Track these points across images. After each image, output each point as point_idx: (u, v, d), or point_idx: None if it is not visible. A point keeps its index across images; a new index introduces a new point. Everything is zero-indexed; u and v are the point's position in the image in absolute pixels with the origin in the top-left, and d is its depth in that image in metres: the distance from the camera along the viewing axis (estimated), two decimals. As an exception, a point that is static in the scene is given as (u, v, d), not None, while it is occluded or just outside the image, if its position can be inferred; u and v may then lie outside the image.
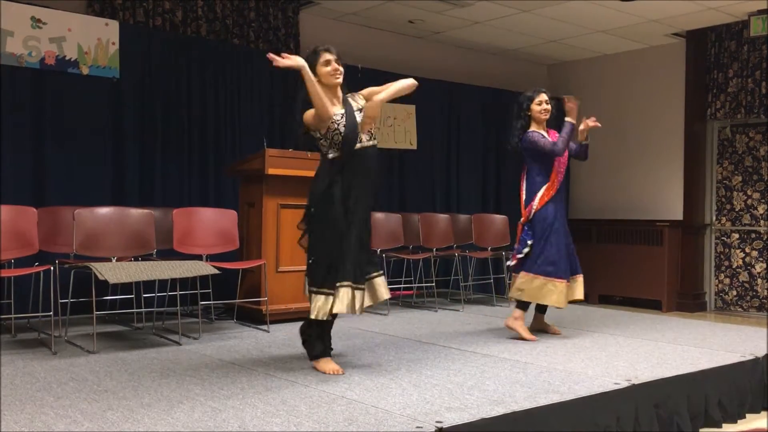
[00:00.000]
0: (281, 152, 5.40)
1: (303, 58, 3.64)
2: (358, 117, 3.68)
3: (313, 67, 3.63)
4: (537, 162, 4.82)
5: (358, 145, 3.63)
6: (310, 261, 3.67)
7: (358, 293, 3.59)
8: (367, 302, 3.68)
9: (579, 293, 4.91)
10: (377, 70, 6.95)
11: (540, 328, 5.00)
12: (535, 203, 4.78)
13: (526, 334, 4.76)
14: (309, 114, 3.62)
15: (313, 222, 3.68)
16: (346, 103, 3.73)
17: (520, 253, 4.81)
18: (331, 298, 3.56)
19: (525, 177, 4.89)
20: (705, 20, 7.28)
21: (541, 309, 5.00)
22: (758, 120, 7.49)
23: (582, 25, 7.45)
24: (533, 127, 4.83)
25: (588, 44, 8.21)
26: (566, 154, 4.88)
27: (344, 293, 3.55)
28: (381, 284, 3.74)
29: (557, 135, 4.87)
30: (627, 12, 6.98)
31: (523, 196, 4.87)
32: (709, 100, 7.75)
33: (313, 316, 3.59)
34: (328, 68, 3.66)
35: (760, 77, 7.31)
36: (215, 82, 6.36)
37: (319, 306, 3.57)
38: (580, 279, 4.93)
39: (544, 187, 4.78)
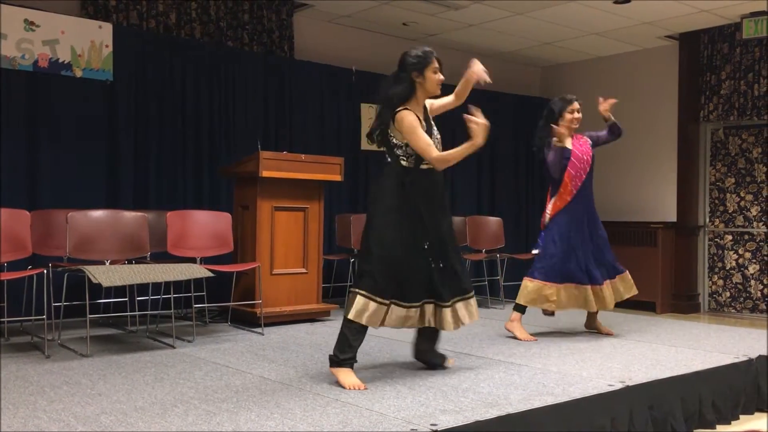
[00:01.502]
0: (275, 155, 5.40)
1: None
2: (437, 134, 3.64)
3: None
4: (549, 170, 4.88)
5: (426, 166, 3.53)
6: (368, 268, 3.44)
7: (413, 311, 3.53)
8: (450, 327, 3.58)
9: (606, 303, 4.84)
10: (371, 73, 6.95)
11: (591, 327, 5.07)
12: (549, 210, 4.88)
13: (522, 335, 4.82)
14: (406, 126, 3.44)
15: (378, 232, 3.47)
16: (427, 117, 3.64)
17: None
18: (376, 306, 3.41)
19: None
20: (698, 23, 7.31)
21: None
22: (751, 122, 7.51)
23: (576, 27, 7.47)
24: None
25: (582, 46, 8.24)
26: (588, 157, 4.87)
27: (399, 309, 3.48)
28: (462, 308, 3.67)
29: (584, 139, 4.90)
30: (620, 14, 7.00)
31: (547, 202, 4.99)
32: (702, 103, 7.77)
33: (351, 317, 3.42)
34: (437, 77, 3.55)
35: (753, 79, 7.34)
36: (209, 85, 6.35)
37: (359, 309, 3.40)
38: (605, 286, 4.85)
39: (556, 195, 4.84)
